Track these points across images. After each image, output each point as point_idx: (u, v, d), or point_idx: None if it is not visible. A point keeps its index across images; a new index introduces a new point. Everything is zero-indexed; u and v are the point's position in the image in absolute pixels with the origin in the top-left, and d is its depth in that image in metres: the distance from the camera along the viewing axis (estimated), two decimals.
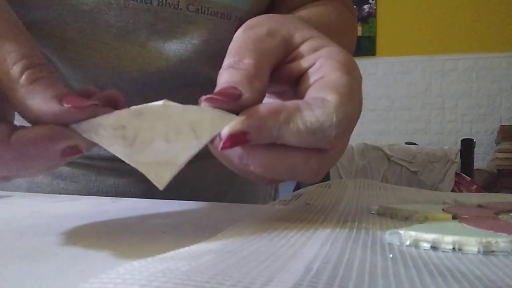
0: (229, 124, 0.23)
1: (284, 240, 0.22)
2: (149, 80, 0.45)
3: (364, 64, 3.37)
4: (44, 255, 0.21)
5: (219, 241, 0.21)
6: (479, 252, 0.21)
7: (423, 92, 3.33)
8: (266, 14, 0.30)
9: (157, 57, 0.44)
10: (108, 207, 0.36)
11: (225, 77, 0.25)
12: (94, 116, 0.23)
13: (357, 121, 0.25)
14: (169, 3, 0.44)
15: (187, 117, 0.23)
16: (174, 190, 0.50)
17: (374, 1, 3.40)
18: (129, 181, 0.49)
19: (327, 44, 0.27)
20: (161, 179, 0.24)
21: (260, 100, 0.25)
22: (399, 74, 3.38)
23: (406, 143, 2.81)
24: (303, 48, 0.27)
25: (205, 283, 0.14)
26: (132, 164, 0.24)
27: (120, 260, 0.20)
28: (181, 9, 0.44)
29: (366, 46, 3.39)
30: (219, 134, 0.23)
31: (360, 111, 0.26)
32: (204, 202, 0.38)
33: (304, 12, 0.44)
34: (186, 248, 0.20)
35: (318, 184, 0.47)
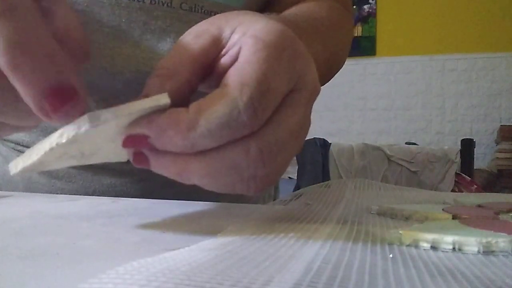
0: (130, 125, 0.23)
1: (284, 240, 0.22)
2: (143, 80, 0.45)
3: (364, 64, 3.37)
4: (44, 255, 0.21)
5: (219, 241, 0.21)
6: (479, 252, 0.21)
7: (423, 92, 3.32)
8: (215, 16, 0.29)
9: (151, 57, 0.44)
10: (108, 207, 0.36)
11: (144, 88, 0.25)
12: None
13: (275, 90, 0.23)
14: (162, 2, 0.44)
15: (117, 124, 0.23)
16: (172, 190, 0.50)
17: (374, 1, 3.40)
18: (126, 180, 0.49)
19: (254, 23, 0.26)
20: (122, 156, 0.25)
21: (174, 100, 0.24)
22: (399, 74, 3.38)
23: (406, 143, 2.81)
24: (233, 37, 0.26)
25: (205, 283, 0.14)
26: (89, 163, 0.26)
27: (120, 260, 0.20)
28: (174, 7, 0.44)
29: (366, 46, 3.38)
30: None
31: (278, 81, 0.23)
32: (204, 202, 0.38)
33: (292, 10, 0.44)
34: (186, 248, 0.20)
35: (318, 184, 0.47)
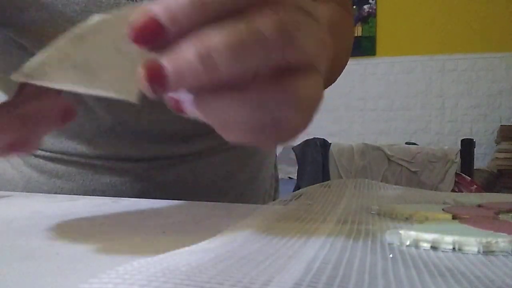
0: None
1: (284, 240, 0.22)
2: None
3: (364, 64, 3.37)
4: (44, 255, 0.21)
5: (219, 241, 0.21)
6: (479, 252, 0.21)
7: (423, 92, 3.33)
8: None
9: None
10: (108, 207, 0.36)
11: None
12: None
13: None
14: None
15: (126, 18, 0.20)
16: (174, 190, 0.50)
17: (374, 1, 3.40)
18: (126, 180, 0.49)
19: None
20: (131, 93, 0.21)
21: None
22: (399, 74, 3.38)
23: (406, 143, 2.81)
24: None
25: (205, 283, 0.14)
26: (92, 92, 0.21)
27: (120, 260, 0.20)
28: None
29: (366, 46, 3.38)
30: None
31: None
32: (204, 202, 0.38)
33: None
34: (186, 248, 0.20)
35: (318, 184, 0.47)
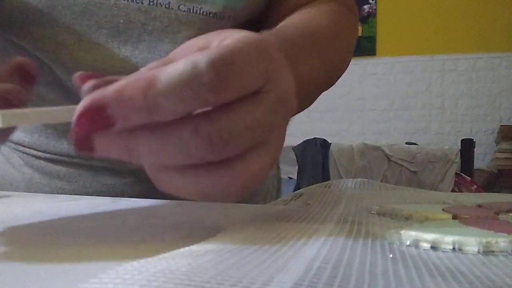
0: (80, 103, 0.20)
1: (284, 240, 0.22)
2: None
3: (364, 64, 3.37)
4: (44, 255, 0.21)
5: (219, 241, 0.21)
6: (479, 252, 0.21)
7: (423, 92, 3.33)
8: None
9: (149, 58, 0.44)
10: (108, 207, 0.36)
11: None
12: None
13: (240, 69, 0.22)
14: (160, 3, 0.44)
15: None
16: None
17: (374, 1, 3.40)
18: (127, 181, 0.49)
19: (238, 33, 0.25)
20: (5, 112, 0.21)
21: None
22: (399, 74, 3.38)
23: (406, 143, 2.81)
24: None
25: (205, 283, 0.14)
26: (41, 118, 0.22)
27: (120, 260, 0.20)
28: (172, 8, 0.44)
29: (366, 46, 3.38)
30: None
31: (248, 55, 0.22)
32: (204, 202, 0.38)
33: (290, 21, 0.43)
34: (186, 248, 0.20)
35: (318, 184, 0.47)
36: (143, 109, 0.20)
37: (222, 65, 0.21)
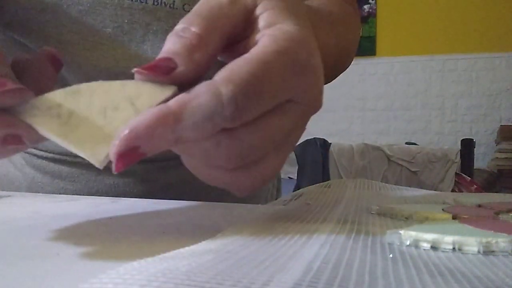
0: (113, 143, 0.21)
1: (284, 240, 0.22)
2: None
3: (364, 64, 3.37)
4: (44, 255, 0.21)
5: (219, 241, 0.21)
6: (479, 252, 0.21)
7: (423, 92, 3.33)
8: None
9: (153, 58, 0.44)
10: (108, 207, 0.36)
11: (166, 46, 0.23)
12: (22, 100, 0.22)
13: (265, 95, 0.22)
14: (164, 3, 0.44)
15: (125, 91, 0.23)
16: (174, 190, 0.50)
17: (374, 1, 3.40)
18: (129, 181, 0.49)
19: (284, 18, 0.25)
20: (97, 155, 0.22)
21: (200, 73, 0.23)
22: (399, 74, 3.38)
23: (406, 143, 2.81)
24: (260, 21, 0.25)
25: (205, 283, 0.14)
26: (64, 145, 0.22)
27: (120, 260, 0.20)
28: (176, 8, 0.44)
29: (366, 46, 3.39)
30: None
31: (266, 87, 0.22)
32: (204, 202, 0.38)
33: (308, 2, 0.44)
34: (186, 248, 0.20)
35: (318, 184, 0.47)
36: (171, 142, 0.22)
37: (245, 99, 0.22)
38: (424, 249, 0.21)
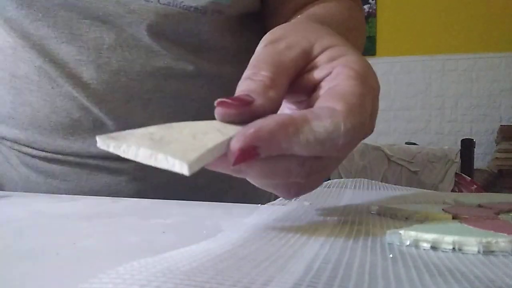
0: (237, 138, 0.22)
1: (284, 240, 0.22)
2: (130, 69, 0.47)
3: None
4: (44, 255, 0.21)
5: (219, 241, 0.21)
6: (479, 252, 0.21)
7: (423, 92, 3.32)
8: (289, 23, 0.31)
9: (132, 50, 0.46)
10: (108, 207, 0.36)
11: (241, 87, 0.25)
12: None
13: (364, 132, 0.25)
14: None
15: (212, 124, 0.24)
16: (166, 189, 0.50)
17: (374, 1, 3.40)
18: (122, 179, 0.49)
19: (346, 52, 0.27)
20: (189, 156, 0.21)
21: (273, 110, 0.25)
22: (399, 74, 3.38)
23: (406, 143, 2.80)
24: (322, 57, 0.27)
25: (205, 283, 0.14)
26: (153, 155, 0.21)
27: (120, 260, 0.20)
28: (151, 1, 0.44)
29: (366, 46, 3.37)
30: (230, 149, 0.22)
31: (370, 122, 0.26)
32: (204, 202, 0.38)
33: (318, 11, 0.44)
34: (186, 248, 0.20)
35: None
36: (283, 150, 0.23)
37: (357, 132, 0.24)
38: (424, 249, 0.21)
